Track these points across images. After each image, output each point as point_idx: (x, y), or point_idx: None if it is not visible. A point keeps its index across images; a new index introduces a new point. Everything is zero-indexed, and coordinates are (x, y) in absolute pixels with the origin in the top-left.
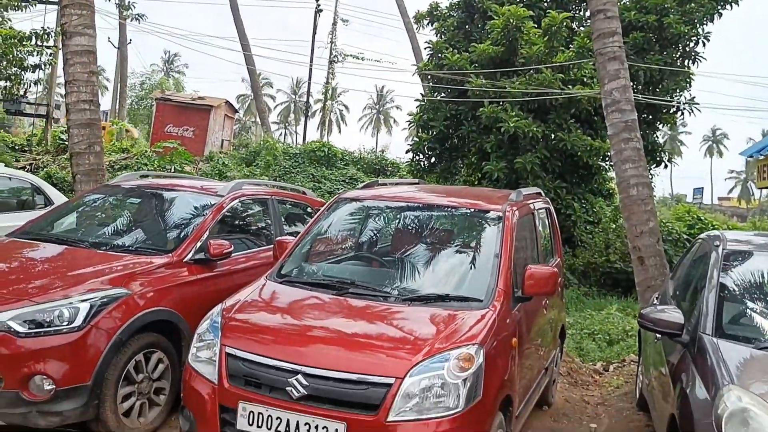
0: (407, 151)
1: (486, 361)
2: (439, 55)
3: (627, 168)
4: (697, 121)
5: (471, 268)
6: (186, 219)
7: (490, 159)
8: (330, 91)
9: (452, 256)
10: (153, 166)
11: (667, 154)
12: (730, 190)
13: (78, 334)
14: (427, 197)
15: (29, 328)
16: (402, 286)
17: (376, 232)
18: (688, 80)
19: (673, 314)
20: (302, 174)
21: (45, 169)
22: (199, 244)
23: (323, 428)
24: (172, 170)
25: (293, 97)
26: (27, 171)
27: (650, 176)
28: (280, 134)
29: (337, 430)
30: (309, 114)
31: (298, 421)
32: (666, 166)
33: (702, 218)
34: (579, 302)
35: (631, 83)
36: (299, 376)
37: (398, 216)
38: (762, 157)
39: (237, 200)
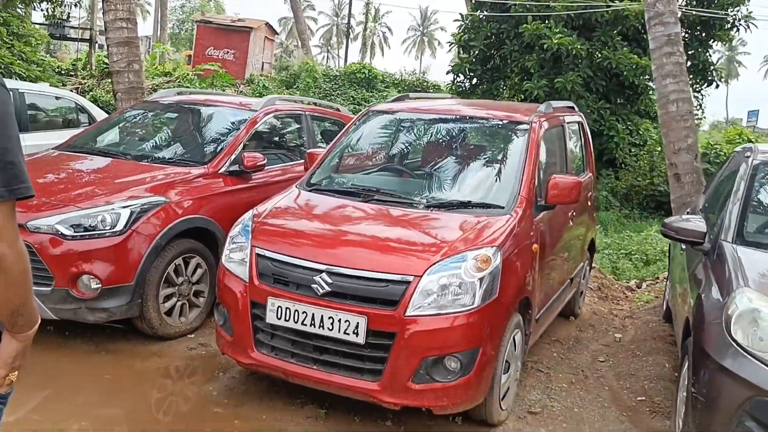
0: (448, 72)
1: (503, 263)
2: None
3: (668, 83)
4: (756, 39)
5: (496, 177)
6: (221, 133)
7: (532, 79)
8: (372, 12)
9: (478, 166)
10: (194, 89)
11: (719, 73)
12: None
13: (120, 237)
14: (456, 109)
15: (75, 232)
16: (426, 194)
17: (404, 143)
18: None
19: (697, 223)
20: (342, 96)
21: (90, 93)
22: (233, 156)
23: (345, 321)
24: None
25: (335, 19)
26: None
27: (693, 93)
28: (322, 58)
29: (358, 323)
30: (351, 36)
31: (322, 315)
32: (718, 86)
33: (753, 141)
34: (619, 224)
35: None
36: (324, 275)
37: (426, 128)
38: None
39: (270, 115)
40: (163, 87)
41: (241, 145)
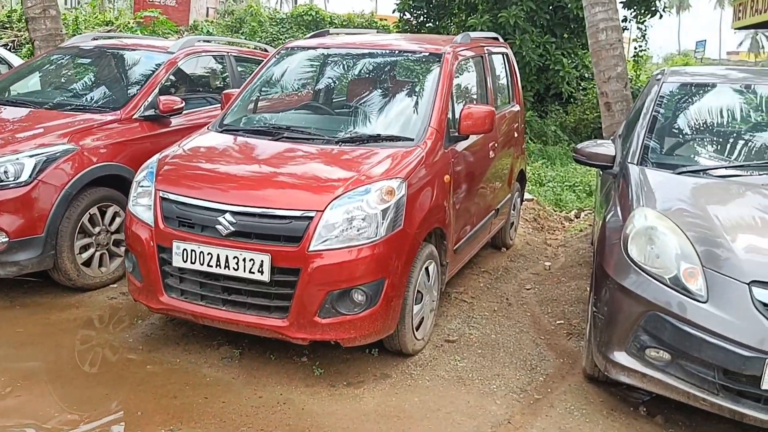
0: (393, 11)
1: (409, 195)
2: None
3: (597, 12)
4: None
5: (407, 109)
6: (137, 77)
7: (477, 14)
8: None
9: (392, 99)
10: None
11: (662, 3)
12: (740, 44)
13: (25, 188)
14: (372, 43)
15: None
16: (337, 129)
17: (319, 80)
18: None
19: (606, 147)
20: (290, 39)
21: (27, 46)
22: (149, 100)
23: (250, 260)
24: None
25: None
26: (9, 48)
27: (636, 24)
28: (276, 1)
29: (262, 261)
30: None
31: (227, 256)
32: (661, 17)
33: None
34: (567, 157)
35: None
36: (227, 215)
37: (341, 63)
38: None
39: (189, 57)
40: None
41: (157, 88)
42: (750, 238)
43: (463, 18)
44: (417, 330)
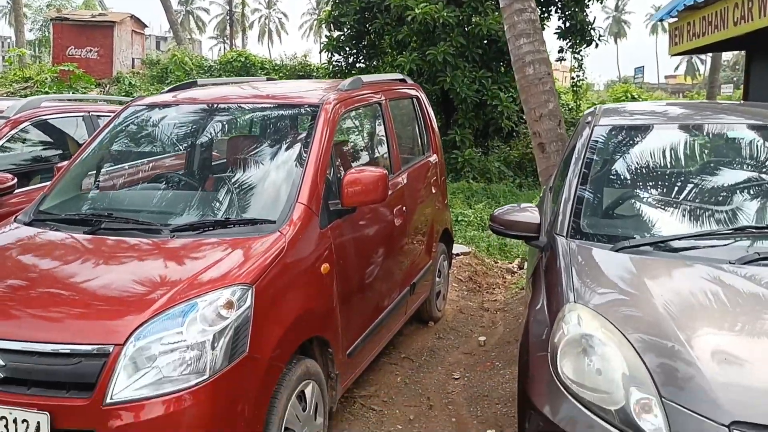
0: (320, 51)
1: (259, 304)
2: None
3: (522, 44)
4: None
5: (270, 181)
6: None
7: (406, 52)
8: None
9: (250, 168)
10: (51, 93)
11: (597, 32)
12: (677, 67)
13: None
14: (237, 96)
15: None
16: (174, 212)
17: (166, 146)
18: None
19: (527, 213)
20: None
21: None
22: None
23: (23, 422)
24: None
25: (227, 8)
26: None
27: (573, 54)
28: (219, 49)
29: (38, 423)
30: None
31: None
32: (597, 46)
33: (637, 98)
34: (512, 195)
35: None
36: None
37: (198, 123)
38: (673, 20)
39: (30, 121)
40: (20, 93)
41: None
42: (721, 346)
43: (394, 56)
44: None
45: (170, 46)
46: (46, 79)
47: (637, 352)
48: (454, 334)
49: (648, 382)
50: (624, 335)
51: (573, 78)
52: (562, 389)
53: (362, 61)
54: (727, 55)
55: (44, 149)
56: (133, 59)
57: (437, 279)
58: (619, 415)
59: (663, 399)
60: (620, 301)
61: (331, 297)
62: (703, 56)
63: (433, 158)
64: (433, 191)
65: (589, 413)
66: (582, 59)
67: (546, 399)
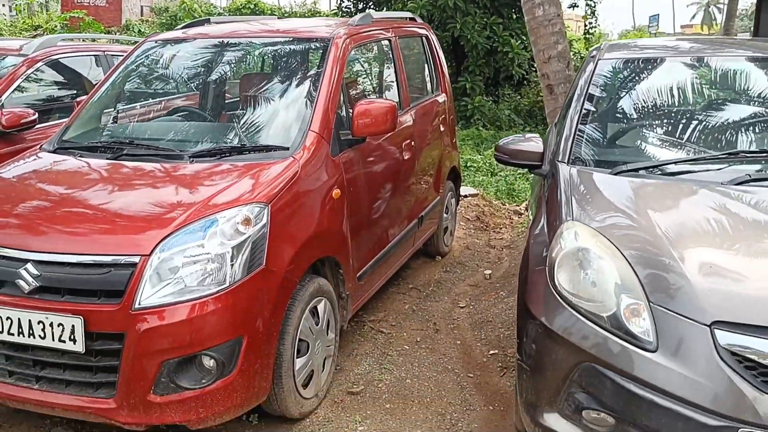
0: None
1: (275, 222)
2: None
3: None
4: None
5: (283, 110)
6: None
7: None
8: None
9: (265, 98)
10: None
11: None
12: (693, 16)
13: None
14: (249, 31)
15: None
16: (192, 140)
17: (184, 79)
18: None
19: (532, 143)
20: None
21: None
22: None
23: (58, 325)
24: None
25: None
26: None
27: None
28: None
29: (73, 326)
30: None
31: (30, 320)
32: None
33: None
34: None
35: None
36: (29, 265)
37: (213, 57)
38: None
39: (47, 60)
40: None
41: (2, 98)
42: (709, 259)
43: (405, 2)
44: (305, 388)
45: None
46: (56, 26)
47: (630, 264)
48: (461, 267)
49: (638, 289)
50: (619, 249)
51: (586, 25)
52: (559, 299)
53: (372, 6)
54: (745, 4)
55: (60, 88)
56: (141, 7)
57: (445, 215)
58: (610, 321)
59: (651, 304)
60: (616, 219)
61: (341, 221)
62: (720, 4)
63: (442, 98)
64: (442, 129)
65: (583, 320)
66: (595, 6)
67: (543, 309)
